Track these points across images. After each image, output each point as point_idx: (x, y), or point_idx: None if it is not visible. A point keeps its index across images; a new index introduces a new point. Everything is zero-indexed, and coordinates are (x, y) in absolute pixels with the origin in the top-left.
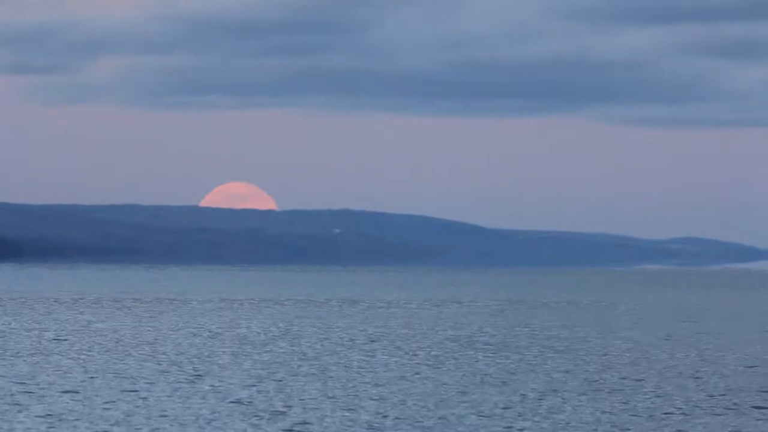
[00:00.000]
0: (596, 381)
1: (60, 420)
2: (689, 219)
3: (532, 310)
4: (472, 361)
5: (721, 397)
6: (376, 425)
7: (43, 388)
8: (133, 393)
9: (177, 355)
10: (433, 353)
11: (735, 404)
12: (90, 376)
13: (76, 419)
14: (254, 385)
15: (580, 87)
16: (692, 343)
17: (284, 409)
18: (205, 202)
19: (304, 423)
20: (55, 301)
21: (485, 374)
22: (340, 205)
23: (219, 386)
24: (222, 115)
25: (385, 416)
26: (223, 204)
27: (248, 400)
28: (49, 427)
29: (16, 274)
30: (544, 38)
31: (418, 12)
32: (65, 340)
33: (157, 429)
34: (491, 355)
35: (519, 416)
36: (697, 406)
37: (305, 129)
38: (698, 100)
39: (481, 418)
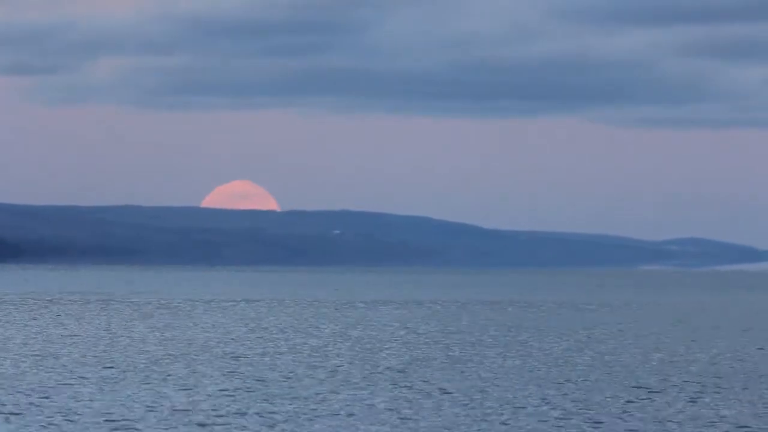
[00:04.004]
0: (598, 383)
1: (60, 419)
2: (689, 219)
3: (531, 310)
4: (471, 361)
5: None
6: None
7: (42, 388)
8: (131, 392)
9: (176, 355)
10: (433, 353)
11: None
12: (90, 375)
13: (76, 419)
14: (254, 386)
15: (579, 87)
16: (695, 345)
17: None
18: (205, 203)
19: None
20: (55, 301)
21: (487, 374)
22: (340, 205)
23: (215, 386)
24: (222, 115)
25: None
26: (224, 204)
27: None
28: (49, 426)
29: (16, 274)
30: (544, 38)
31: (418, 12)
32: (65, 339)
33: (158, 428)
34: (493, 355)
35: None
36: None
37: (305, 129)
38: (698, 101)
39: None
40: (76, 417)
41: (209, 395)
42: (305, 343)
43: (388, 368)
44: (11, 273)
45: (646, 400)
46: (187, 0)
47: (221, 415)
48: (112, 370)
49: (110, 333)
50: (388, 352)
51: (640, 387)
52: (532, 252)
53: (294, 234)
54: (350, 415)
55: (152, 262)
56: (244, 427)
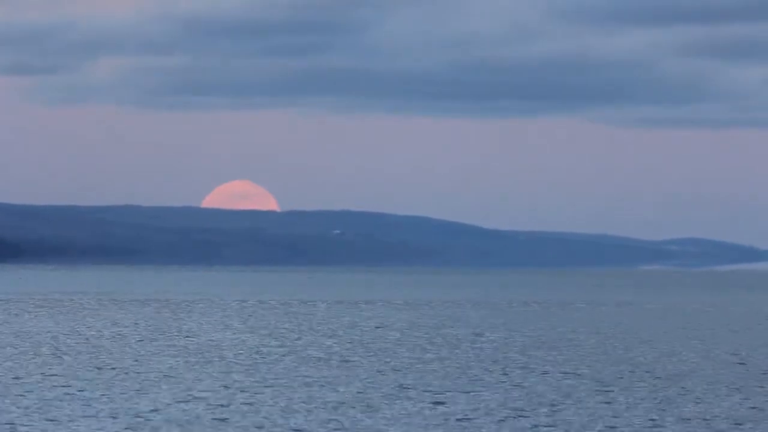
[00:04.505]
0: (599, 383)
1: (58, 420)
2: (689, 219)
3: (531, 310)
4: (473, 362)
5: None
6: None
7: (41, 388)
8: (130, 392)
9: (177, 354)
10: (430, 354)
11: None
12: (89, 375)
13: (76, 419)
14: (255, 387)
15: (579, 87)
16: (695, 345)
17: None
18: (205, 203)
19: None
20: (55, 302)
21: (487, 375)
22: (341, 205)
23: (216, 386)
24: (222, 115)
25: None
26: (224, 204)
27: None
28: (50, 427)
29: (16, 274)
30: (544, 38)
31: (418, 12)
32: (65, 340)
33: (158, 428)
34: (493, 356)
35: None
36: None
37: (305, 129)
38: (698, 101)
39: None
40: (77, 417)
41: (203, 397)
42: (305, 344)
43: (385, 369)
44: (11, 273)
45: (646, 399)
46: (187, 0)
47: (214, 416)
48: (110, 369)
49: (109, 332)
50: (387, 352)
51: (640, 387)
52: (532, 252)
53: (294, 234)
54: (349, 418)
55: (152, 262)
56: (240, 428)
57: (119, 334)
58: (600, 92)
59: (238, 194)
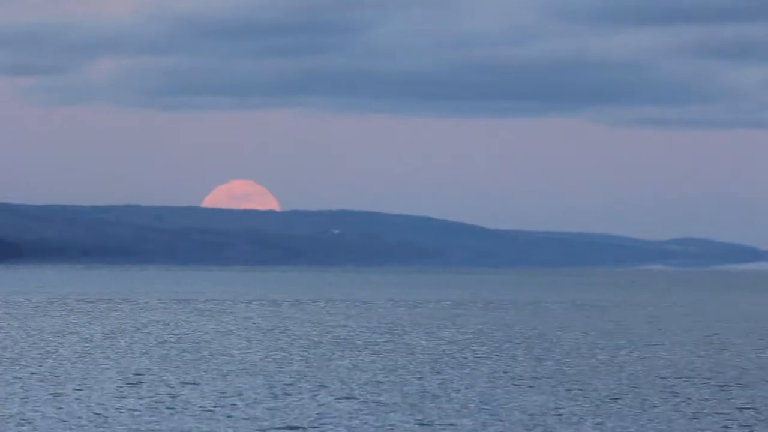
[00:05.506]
0: (601, 382)
1: (59, 419)
2: (689, 219)
3: (531, 311)
4: (475, 362)
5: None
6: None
7: (40, 388)
8: (130, 391)
9: (179, 354)
10: (434, 354)
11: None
12: (89, 375)
13: (77, 418)
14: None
15: (579, 88)
16: (693, 345)
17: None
18: (206, 203)
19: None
20: (55, 301)
21: (489, 376)
22: (340, 205)
23: (219, 386)
24: (222, 115)
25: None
26: (224, 205)
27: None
28: (48, 425)
29: (16, 274)
30: (544, 38)
31: (418, 12)
32: (65, 339)
33: (159, 424)
34: (495, 356)
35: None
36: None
37: (305, 129)
38: (697, 101)
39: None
40: (77, 417)
41: (201, 396)
42: (305, 344)
43: (380, 369)
44: (11, 273)
45: (645, 400)
46: (186, 0)
47: (213, 418)
48: (108, 370)
49: (108, 332)
50: (387, 353)
51: (640, 386)
52: (532, 252)
53: (294, 234)
54: (350, 421)
55: (152, 262)
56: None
57: (116, 334)
58: (600, 92)
59: (238, 194)
